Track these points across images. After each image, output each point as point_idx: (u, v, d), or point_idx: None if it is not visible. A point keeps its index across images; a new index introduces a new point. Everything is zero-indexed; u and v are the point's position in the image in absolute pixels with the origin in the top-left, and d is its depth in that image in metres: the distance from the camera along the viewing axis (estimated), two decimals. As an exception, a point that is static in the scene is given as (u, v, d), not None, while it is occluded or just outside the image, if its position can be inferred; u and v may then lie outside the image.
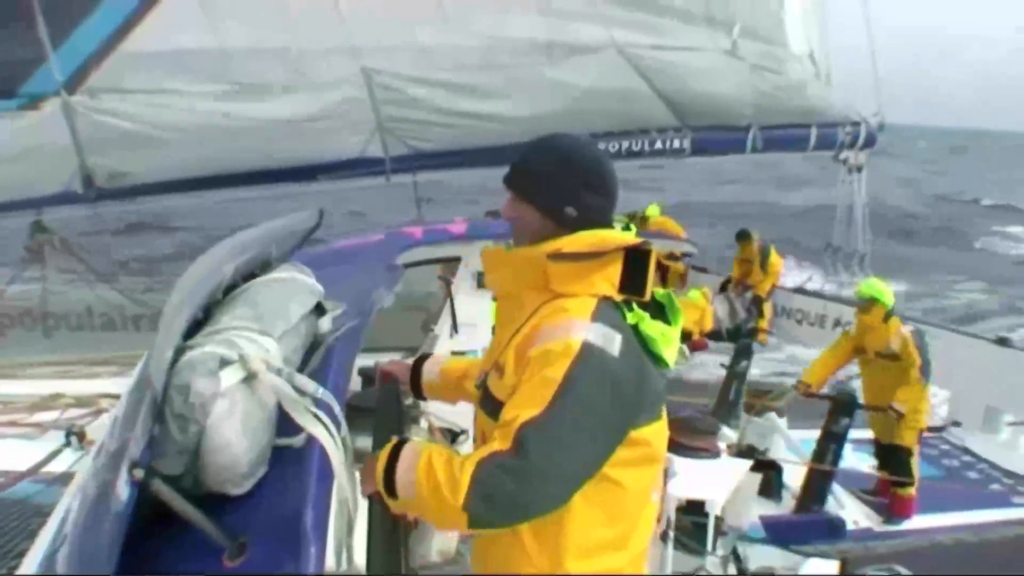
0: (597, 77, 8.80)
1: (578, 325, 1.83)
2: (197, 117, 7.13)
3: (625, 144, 8.72)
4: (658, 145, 8.98)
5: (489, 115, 8.00)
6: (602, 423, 1.80)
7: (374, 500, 1.87)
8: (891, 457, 6.53)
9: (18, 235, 7.62)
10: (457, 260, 5.73)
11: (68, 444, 4.39)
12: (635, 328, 1.92)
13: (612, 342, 1.82)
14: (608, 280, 1.92)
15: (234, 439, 1.62)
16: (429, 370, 2.50)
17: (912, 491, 6.44)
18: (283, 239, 2.59)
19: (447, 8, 8.21)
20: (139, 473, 1.44)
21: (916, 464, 6.52)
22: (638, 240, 1.96)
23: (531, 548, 1.86)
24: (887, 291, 6.52)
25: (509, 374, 1.89)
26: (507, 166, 2.12)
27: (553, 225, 1.99)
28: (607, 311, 1.89)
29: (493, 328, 5.64)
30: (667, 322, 2.00)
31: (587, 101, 8.60)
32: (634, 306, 1.94)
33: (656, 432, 1.96)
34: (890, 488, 6.54)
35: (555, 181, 1.99)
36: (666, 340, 1.96)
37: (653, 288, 2.00)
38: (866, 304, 6.49)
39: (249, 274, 2.22)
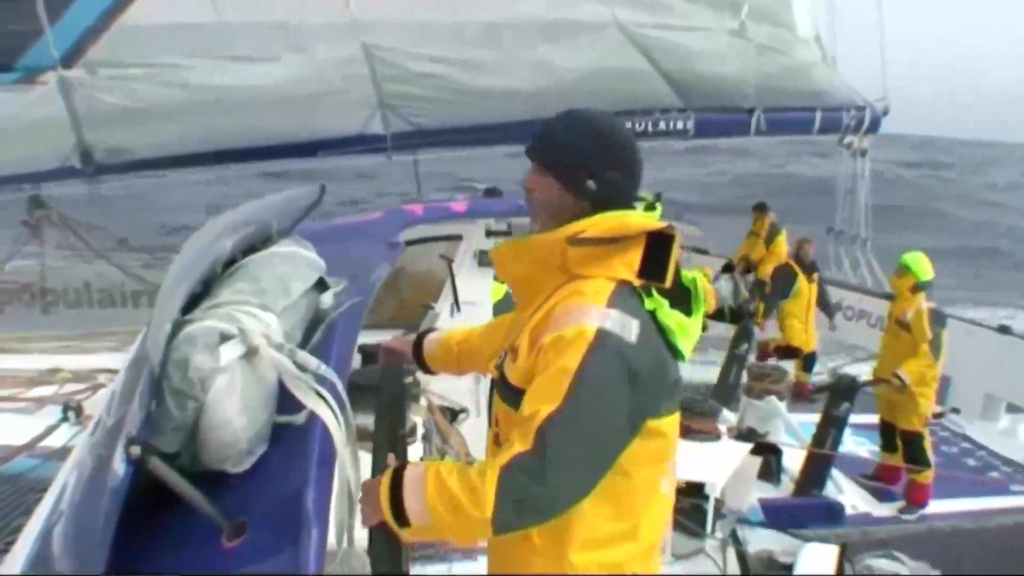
0: (600, 56, 8.74)
1: (593, 311, 1.77)
2: (195, 92, 7.08)
3: (628, 124, 8.65)
4: (661, 126, 8.93)
5: (490, 92, 7.94)
6: (620, 413, 1.75)
7: (377, 531, 1.78)
8: (904, 446, 6.51)
9: (15, 210, 7.59)
10: (459, 238, 5.69)
11: (65, 419, 4.38)
12: (652, 316, 1.86)
13: (629, 328, 1.76)
14: (628, 264, 1.85)
15: (234, 416, 1.59)
16: (430, 343, 2.48)
17: (929, 477, 6.43)
18: (284, 214, 2.53)
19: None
20: (136, 450, 1.40)
21: (929, 449, 6.52)
22: (661, 224, 1.88)
23: (538, 539, 1.83)
24: (925, 266, 6.52)
25: (522, 357, 1.84)
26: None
27: (572, 199, 1.92)
28: (624, 296, 1.83)
29: (495, 306, 5.62)
30: (688, 310, 1.94)
31: (590, 80, 8.53)
32: (653, 292, 1.88)
33: (672, 424, 1.91)
34: (903, 476, 6.53)
35: (580, 153, 1.92)
36: (683, 331, 1.90)
37: (681, 272, 1.94)
38: (901, 270, 6.57)
39: (249, 248, 2.18)
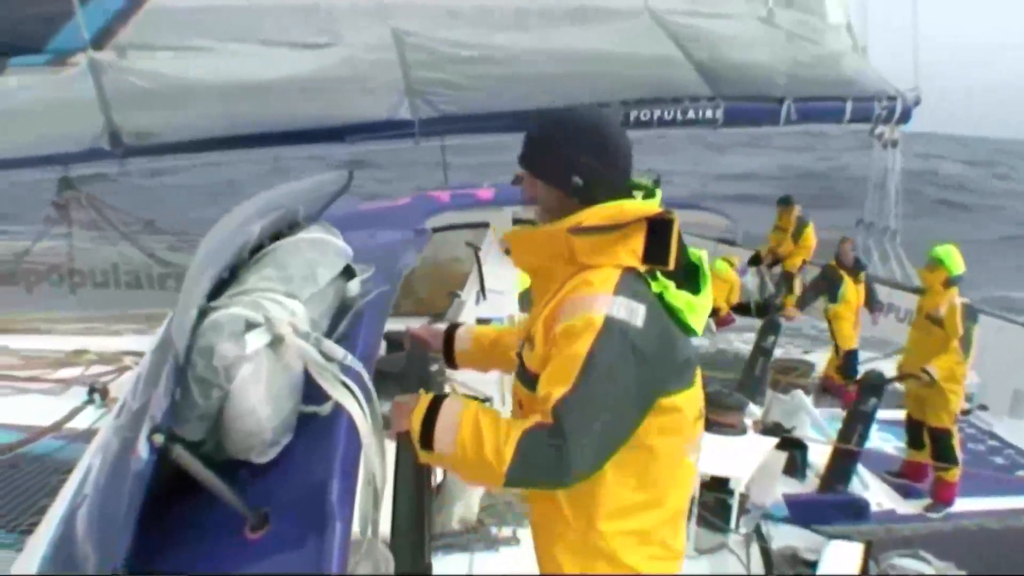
0: (629, 42, 8.66)
1: (600, 300, 1.85)
2: (224, 76, 7.08)
3: (657, 113, 8.58)
4: (690, 115, 8.83)
5: (519, 78, 7.89)
6: (628, 393, 1.84)
7: (401, 440, 1.93)
8: (932, 442, 6.44)
9: (44, 191, 7.65)
10: (485, 226, 5.66)
11: (91, 401, 4.40)
12: (660, 298, 1.93)
13: (635, 313, 1.84)
14: (631, 251, 1.93)
15: (259, 405, 1.56)
16: (461, 338, 2.49)
17: (956, 475, 6.35)
18: (311, 199, 2.51)
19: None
20: (159, 438, 1.39)
21: (958, 447, 6.44)
22: (659, 210, 1.95)
23: (568, 512, 1.94)
24: (957, 260, 6.42)
25: (538, 345, 1.93)
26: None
27: (564, 197, 1.99)
28: (631, 282, 1.90)
29: (520, 295, 5.59)
30: (697, 288, 2.00)
31: (618, 66, 8.48)
32: (658, 275, 1.95)
33: (688, 399, 1.98)
34: (929, 474, 6.45)
35: (554, 151, 2.00)
36: (691, 309, 1.97)
37: (688, 249, 2.01)
38: (932, 264, 6.47)
39: (276, 234, 2.16)
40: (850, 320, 8.85)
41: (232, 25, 7.19)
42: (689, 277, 2.02)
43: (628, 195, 2.00)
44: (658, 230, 1.92)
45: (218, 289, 1.75)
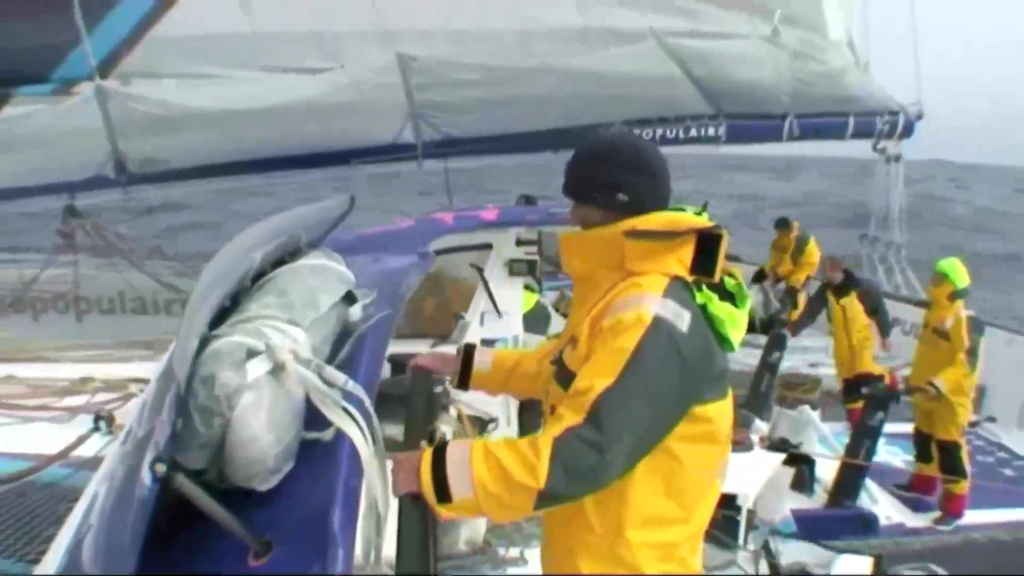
0: (632, 63, 8.71)
1: (650, 299, 1.90)
2: (229, 102, 7.13)
3: (660, 131, 8.62)
4: (692, 132, 8.87)
5: (523, 100, 7.93)
6: (669, 394, 1.87)
7: (407, 501, 1.83)
8: (940, 455, 6.42)
9: (49, 219, 7.69)
10: (489, 247, 5.66)
11: (97, 428, 4.41)
12: (703, 308, 1.98)
13: (681, 318, 1.89)
14: (680, 261, 1.99)
15: (260, 432, 1.57)
16: (481, 359, 2.51)
17: (965, 488, 6.32)
18: (313, 225, 2.54)
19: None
20: (161, 468, 1.40)
21: (966, 459, 6.41)
22: (710, 224, 2.01)
23: (593, 518, 1.94)
24: (962, 273, 6.41)
25: (582, 344, 1.98)
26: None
27: (614, 215, 2.06)
28: (678, 289, 1.96)
29: (524, 316, 5.58)
30: (735, 306, 2.06)
31: (621, 87, 8.52)
32: (703, 287, 2.00)
33: (720, 411, 2.00)
34: (938, 487, 6.42)
35: (600, 173, 2.09)
36: (733, 321, 2.03)
37: (723, 274, 2.05)
38: (938, 278, 6.46)
39: (278, 260, 2.18)
40: (842, 342, 8.20)
41: (236, 52, 7.24)
42: (727, 297, 2.07)
43: (676, 208, 2.09)
44: (707, 243, 1.99)
45: (220, 317, 1.77)
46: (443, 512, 1.80)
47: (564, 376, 2.02)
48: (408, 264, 3.37)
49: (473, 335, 5.18)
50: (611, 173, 2.08)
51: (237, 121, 7.08)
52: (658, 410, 1.85)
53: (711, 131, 8.97)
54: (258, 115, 7.15)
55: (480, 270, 5.42)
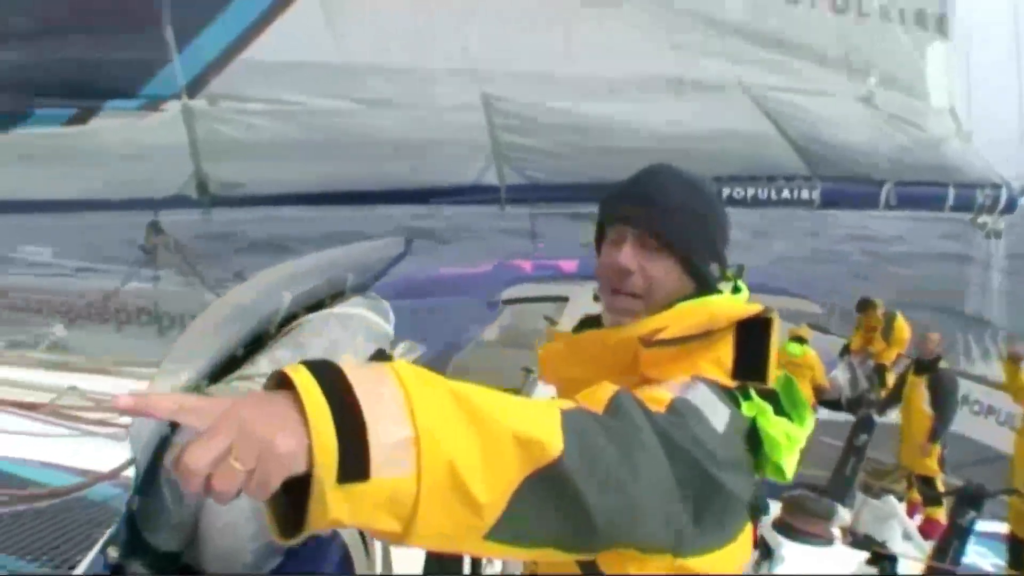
0: (724, 116, 8.47)
1: (669, 384, 1.43)
2: (313, 131, 7.11)
3: (751, 191, 8.30)
4: (785, 194, 8.51)
5: (610, 150, 7.74)
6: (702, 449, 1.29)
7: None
8: None
9: (130, 233, 7.73)
10: (564, 300, 5.46)
11: (155, 449, 4.29)
12: (752, 424, 1.46)
13: (716, 413, 1.37)
14: (716, 362, 1.49)
15: (239, 520, 1.27)
16: None
17: None
18: (362, 266, 2.25)
19: (574, 37, 8.02)
20: (113, 554, 1.17)
21: None
22: (755, 308, 1.51)
23: None
24: None
25: None
26: None
27: (693, 286, 1.61)
28: (715, 388, 1.46)
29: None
30: (791, 418, 1.53)
31: (712, 141, 8.27)
32: (752, 394, 1.49)
33: (723, 564, 1.41)
34: None
35: (707, 229, 1.62)
36: (791, 445, 1.49)
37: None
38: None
39: (316, 304, 1.91)
40: (905, 421, 7.70)
41: (324, 81, 7.23)
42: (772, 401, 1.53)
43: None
44: (750, 334, 1.47)
45: (229, 366, 1.53)
46: (334, 512, 0.97)
47: None
48: (474, 312, 3.18)
49: (541, 390, 4.97)
50: (717, 233, 1.62)
51: (320, 151, 7.06)
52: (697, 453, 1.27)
53: (804, 194, 8.60)
54: (341, 147, 7.12)
55: (553, 323, 5.24)
